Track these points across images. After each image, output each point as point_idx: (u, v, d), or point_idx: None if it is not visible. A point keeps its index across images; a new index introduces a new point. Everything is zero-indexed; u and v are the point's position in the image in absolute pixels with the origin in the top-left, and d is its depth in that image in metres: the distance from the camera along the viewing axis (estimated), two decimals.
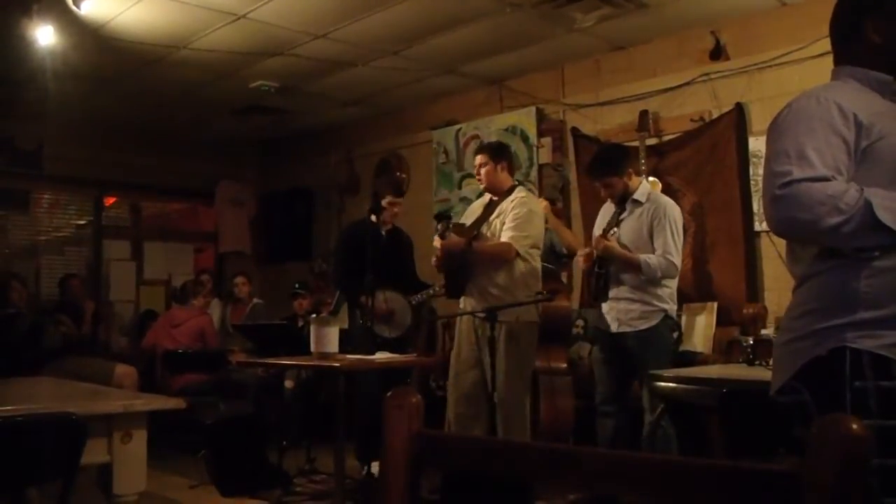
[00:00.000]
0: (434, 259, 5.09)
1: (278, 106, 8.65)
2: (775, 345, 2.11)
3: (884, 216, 1.81)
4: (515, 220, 4.97)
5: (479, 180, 5.22)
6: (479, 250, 4.99)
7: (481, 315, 4.83)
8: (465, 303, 5.13)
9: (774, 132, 2.03)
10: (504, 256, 4.94)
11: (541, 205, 5.47)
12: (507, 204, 5.08)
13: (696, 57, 6.49)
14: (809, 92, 2.05)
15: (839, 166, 1.90)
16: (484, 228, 5.12)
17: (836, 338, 1.89)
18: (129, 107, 8.54)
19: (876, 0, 2.11)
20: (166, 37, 6.57)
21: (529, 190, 6.96)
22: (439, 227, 5.07)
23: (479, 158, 5.20)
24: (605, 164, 4.98)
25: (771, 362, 3.95)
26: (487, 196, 5.27)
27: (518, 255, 4.93)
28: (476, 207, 5.35)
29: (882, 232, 1.82)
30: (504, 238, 4.96)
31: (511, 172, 5.24)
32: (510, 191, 5.15)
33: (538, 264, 5.11)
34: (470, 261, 5.01)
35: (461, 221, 5.26)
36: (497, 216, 5.08)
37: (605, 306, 4.92)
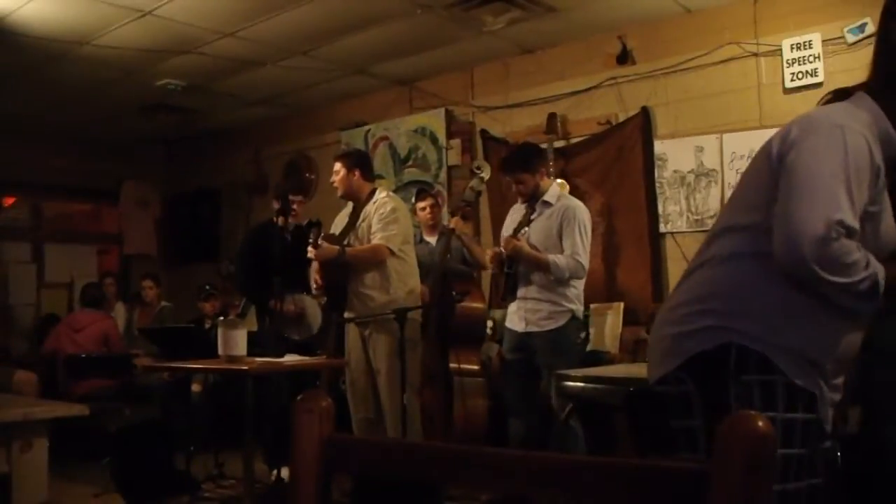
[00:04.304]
0: (313, 280, 5.16)
1: (185, 105, 8.49)
2: (660, 335, 2.08)
3: (882, 286, 1.82)
4: (381, 220, 5.08)
5: (336, 187, 5.31)
6: (353, 255, 5.06)
7: (366, 320, 4.96)
8: (348, 311, 5.20)
9: (822, 150, 1.85)
10: (378, 258, 5.06)
11: (405, 205, 5.52)
12: (370, 207, 5.19)
13: (603, 61, 6.58)
14: (854, 122, 1.88)
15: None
16: (351, 237, 5.21)
17: (724, 335, 1.91)
18: (30, 104, 8.26)
19: None
20: (69, 32, 6.38)
21: (438, 192, 7.00)
22: (311, 234, 5.05)
23: (335, 166, 5.31)
24: (520, 161, 5.06)
25: None
26: (350, 205, 5.36)
27: (391, 252, 5.04)
28: (341, 218, 5.44)
29: (871, 301, 1.84)
30: (375, 240, 5.06)
31: (367, 178, 5.32)
32: (371, 195, 5.26)
33: (412, 260, 5.23)
34: (346, 270, 5.07)
35: (330, 232, 5.32)
36: (363, 221, 5.19)
37: (513, 306, 4.97)
